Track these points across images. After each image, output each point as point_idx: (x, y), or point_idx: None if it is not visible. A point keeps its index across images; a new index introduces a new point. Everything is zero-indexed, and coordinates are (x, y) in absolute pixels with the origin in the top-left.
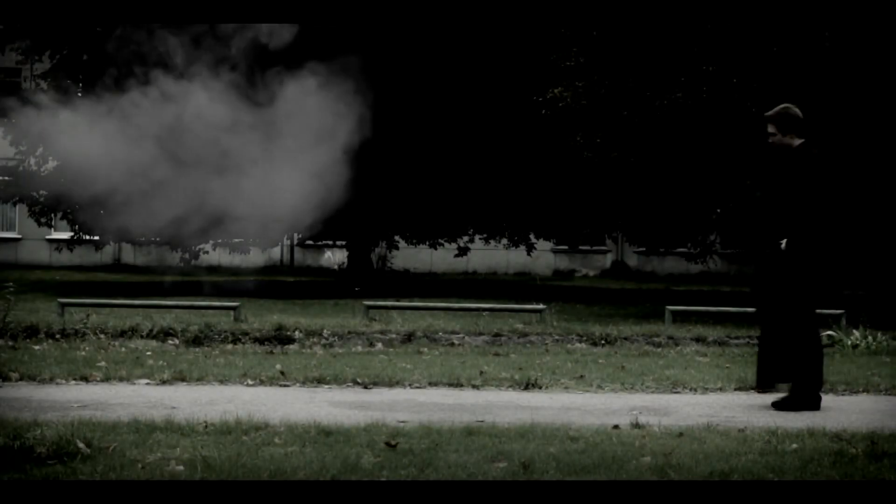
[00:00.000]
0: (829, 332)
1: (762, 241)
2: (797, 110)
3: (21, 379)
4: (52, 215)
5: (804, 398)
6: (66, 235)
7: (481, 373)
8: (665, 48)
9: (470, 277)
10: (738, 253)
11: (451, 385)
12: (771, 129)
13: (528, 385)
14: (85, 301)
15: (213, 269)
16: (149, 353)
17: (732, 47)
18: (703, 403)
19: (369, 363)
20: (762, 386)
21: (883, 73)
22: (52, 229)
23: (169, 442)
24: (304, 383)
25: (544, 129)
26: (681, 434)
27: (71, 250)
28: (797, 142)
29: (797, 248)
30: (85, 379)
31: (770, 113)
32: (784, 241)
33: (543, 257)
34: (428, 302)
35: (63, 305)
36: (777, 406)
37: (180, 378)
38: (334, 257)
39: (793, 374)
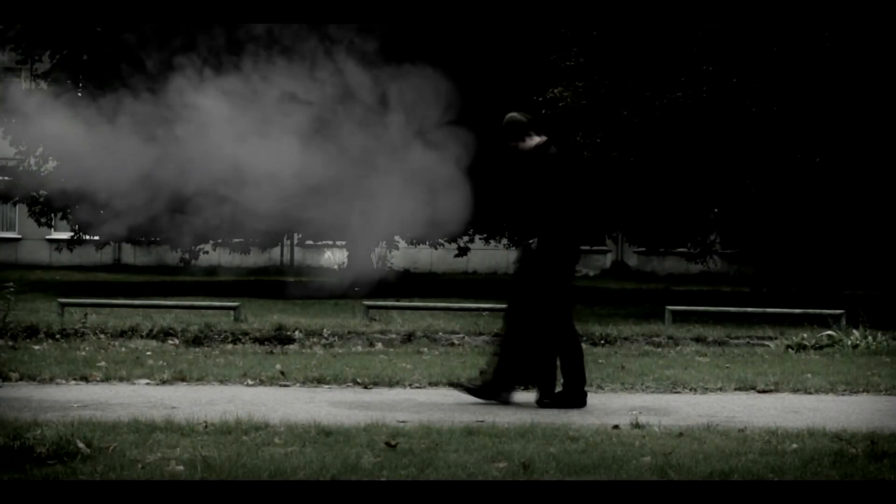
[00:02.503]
0: (829, 332)
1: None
2: (519, 115)
3: (21, 379)
4: (53, 215)
5: (572, 396)
6: (66, 235)
7: (481, 373)
8: (665, 48)
9: (470, 277)
10: (738, 253)
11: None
12: (508, 140)
13: (528, 385)
14: (85, 301)
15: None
16: (149, 353)
17: (732, 47)
18: (703, 403)
19: (369, 363)
20: (505, 388)
21: (883, 73)
22: (52, 229)
23: (169, 442)
24: (304, 383)
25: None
26: (681, 434)
27: (71, 250)
28: (535, 141)
29: (538, 248)
30: (85, 379)
31: (501, 127)
32: (534, 241)
33: None
34: (428, 302)
35: (63, 305)
36: (542, 404)
37: (180, 378)
38: (334, 257)
39: (535, 376)
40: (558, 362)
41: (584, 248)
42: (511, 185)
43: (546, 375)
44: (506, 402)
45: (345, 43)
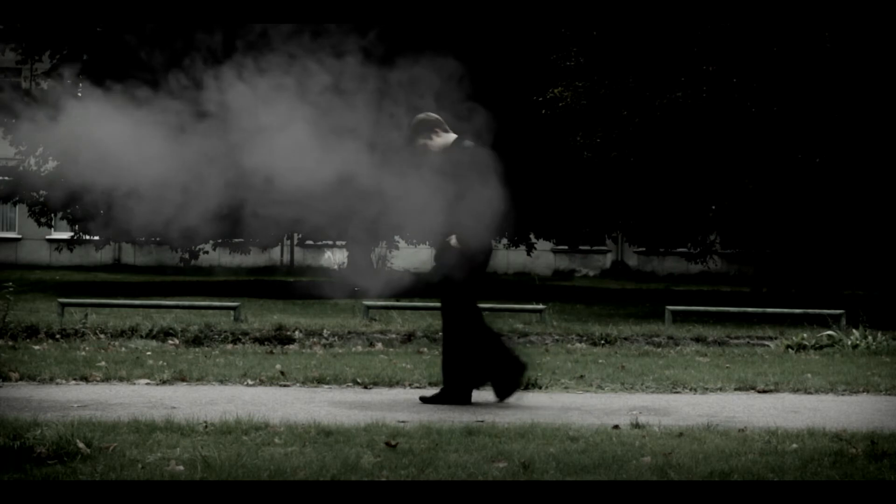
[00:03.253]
0: (829, 332)
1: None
2: (429, 114)
3: (21, 379)
4: (53, 215)
5: (455, 393)
6: (66, 235)
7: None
8: (665, 48)
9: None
10: (738, 253)
11: None
12: (418, 141)
13: (528, 385)
14: (85, 301)
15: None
16: (149, 353)
17: (732, 47)
18: (703, 403)
19: (369, 363)
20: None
21: (883, 73)
22: (52, 229)
23: (169, 442)
24: (304, 383)
25: (544, 129)
26: (681, 434)
27: (71, 250)
28: (444, 139)
29: (452, 245)
30: (85, 379)
31: (410, 129)
32: (453, 238)
33: (543, 257)
34: (428, 302)
35: (63, 305)
36: (426, 400)
37: (180, 378)
38: (334, 257)
39: (488, 373)
40: (455, 358)
41: (583, 248)
42: (422, 184)
43: (494, 372)
44: (467, 402)
45: (361, 43)
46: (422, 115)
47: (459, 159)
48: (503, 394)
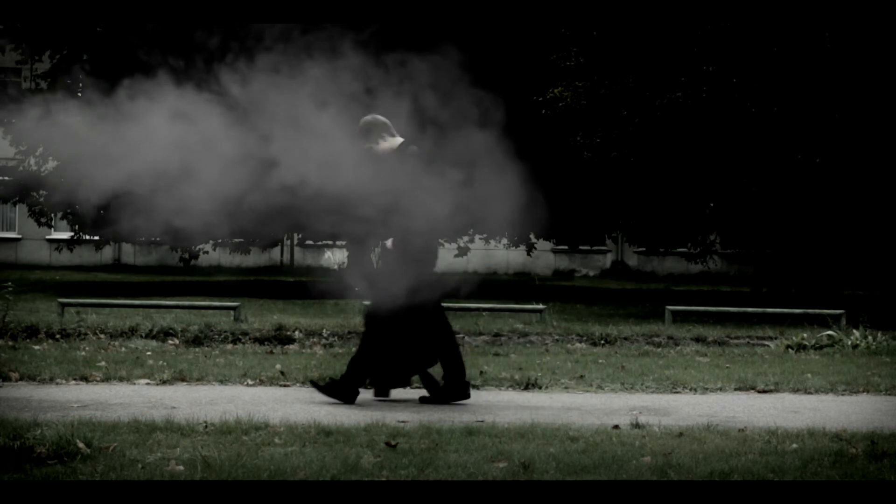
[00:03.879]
0: (829, 332)
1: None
2: (376, 118)
3: (21, 379)
4: (53, 215)
5: (456, 389)
6: (66, 235)
7: (481, 373)
8: (665, 48)
9: (470, 277)
10: (738, 253)
11: None
12: (364, 143)
13: (528, 385)
14: (85, 301)
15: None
16: (149, 353)
17: (732, 47)
18: (703, 403)
19: None
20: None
21: (883, 73)
22: (52, 229)
23: (169, 442)
24: (304, 383)
25: (544, 129)
26: (681, 434)
27: (71, 250)
28: (391, 143)
29: (393, 247)
30: (85, 379)
31: (357, 131)
32: (389, 241)
33: (543, 257)
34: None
35: (63, 305)
36: (426, 400)
37: (180, 378)
38: (334, 257)
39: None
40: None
41: (583, 248)
42: (365, 186)
43: (450, 369)
44: (468, 396)
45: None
46: (369, 118)
47: (404, 163)
48: (440, 397)
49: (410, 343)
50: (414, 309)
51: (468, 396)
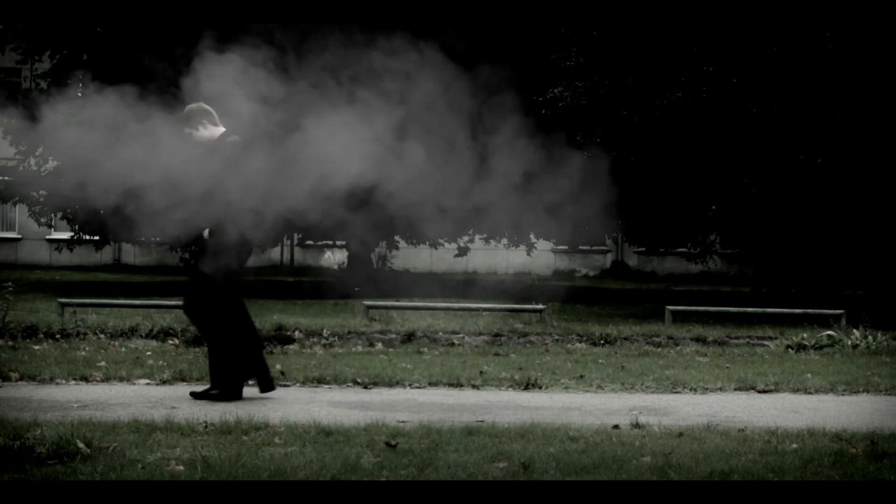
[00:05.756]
0: (829, 332)
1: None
2: (198, 105)
3: (21, 379)
4: (53, 215)
5: (229, 392)
6: (66, 235)
7: (481, 373)
8: (665, 48)
9: (470, 277)
10: (738, 253)
11: (451, 385)
12: (186, 129)
13: (528, 385)
14: (85, 301)
15: None
16: (149, 353)
17: (732, 47)
18: (703, 403)
19: (369, 363)
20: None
21: (884, 74)
22: (52, 229)
23: (169, 442)
24: (304, 383)
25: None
26: (681, 434)
27: (71, 250)
28: (217, 132)
29: (208, 239)
30: (85, 379)
31: (181, 115)
32: (206, 231)
33: (543, 257)
34: (428, 302)
35: (63, 305)
36: (197, 395)
37: (180, 378)
38: (334, 257)
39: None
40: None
41: (583, 248)
42: (183, 173)
43: (253, 368)
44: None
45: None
46: (193, 105)
47: (222, 153)
48: (267, 387)
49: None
50: (211, 303)
51: (240, 398)
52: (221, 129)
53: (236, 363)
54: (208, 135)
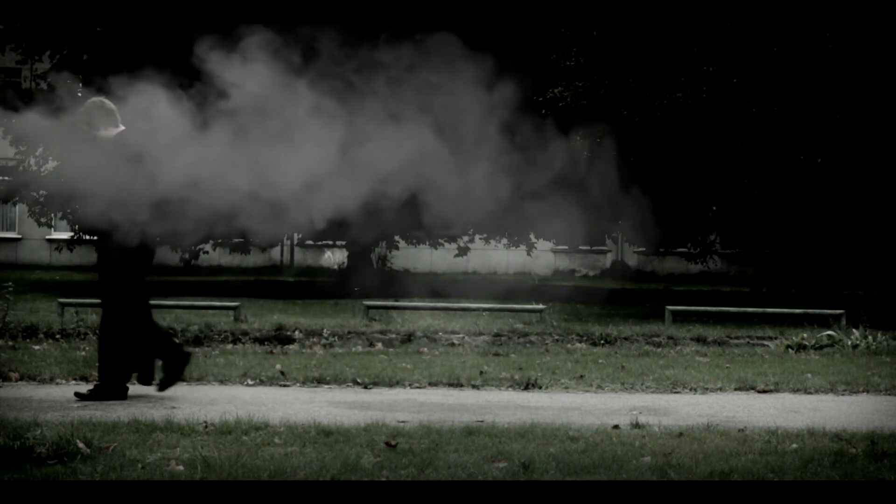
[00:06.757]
0: (829, 332)
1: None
2: (102, 102)
3: (21, 379)
4: (53, 215)
5: (111, 388)
6: (66, 235)
7: (481, 373)
8: (665, 48)
9: (470, 277)
10: (738, 253)
11: (451, 385)
12: (83, 126)
13: (528, 385)
14: (85, 301)
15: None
16: None
17: (732, 47)
18: (703, 403)
19: (369, 363)
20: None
21: (884, 74)
22: (52, 229)
23: (169, 442)
24: (304, 383)
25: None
26: (681, 434)
27: (71, 250)
28: (116, 131)
29: (109, 240)
30: (85, 379)
31: (80, 111)
32: (104, 236)
33: (543, 257)
34: (428, 302)
35: (63, 305)
36: (82, 396)
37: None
38: (334, 257)
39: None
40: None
41: (583, 248)
42: (83, 170)
43: (142, 364)
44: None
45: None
46: (97, 100)
47: (120, 152)
48: (146, 380)
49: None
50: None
51: (125, 398)
52: (121, 128)
53: (118, 361)
54: (106, 134)
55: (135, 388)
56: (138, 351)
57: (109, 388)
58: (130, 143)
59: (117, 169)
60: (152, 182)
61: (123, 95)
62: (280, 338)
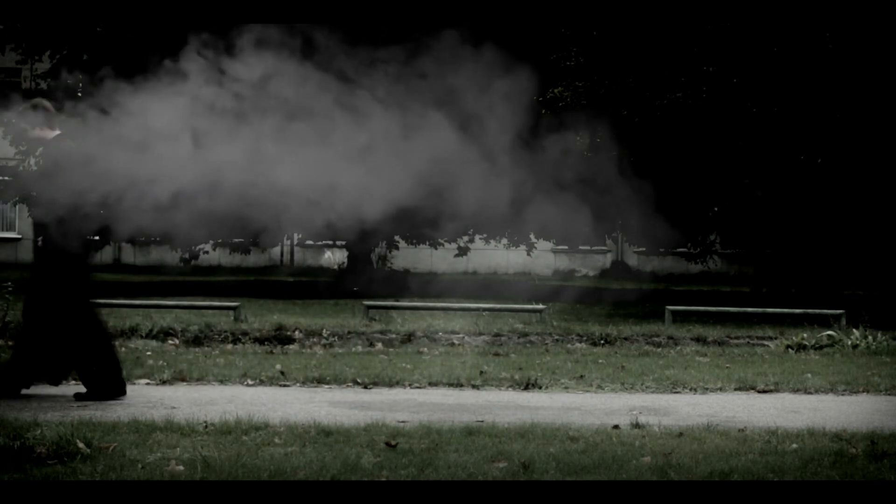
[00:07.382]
0: (829, 332)
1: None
2: (42, 103)
3: None
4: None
5: (107, 387)
6: None
7: (481, 373)
8: (665, 48)
9: (470, 277)
10: (738, 253)
11: (450, 385)
12: (24, 124)
13: (528, 385)
14: None
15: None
16: (149, 353)
17: (732, 47)
18: (703, 403)
19: (369, 363)
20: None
21: (884, 74)
22: None
23: (169, 442)
24: (304, 383)
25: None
26: (681, 434)
27: None
28: (53, 134)
29: (45, 243)
30: None
31: (21, 109)
32: (40, 239)
33: (543, 257)
34: (428, 302)
35: None
36: (80, 397)
37: (180, 378)
38: (334, 257)
39: (62, 372)
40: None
41: (583, 248)
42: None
43: (87, 370)
44: (17, 397)
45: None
46: (38, 101)
47: (56, 155)
48: (54, 380)
49: (59, 340)
50: (57, 305)
51: (124, 393)
52: (56, 132)
53: (96, 360)
54: (42, 135)
55: (78, 387)
56: (63, 349)
57: (106, 388)
58: (63, 149)
59: (47, 171)
60: (87, 190)
61: (123, 100)
62: (280, 338)
